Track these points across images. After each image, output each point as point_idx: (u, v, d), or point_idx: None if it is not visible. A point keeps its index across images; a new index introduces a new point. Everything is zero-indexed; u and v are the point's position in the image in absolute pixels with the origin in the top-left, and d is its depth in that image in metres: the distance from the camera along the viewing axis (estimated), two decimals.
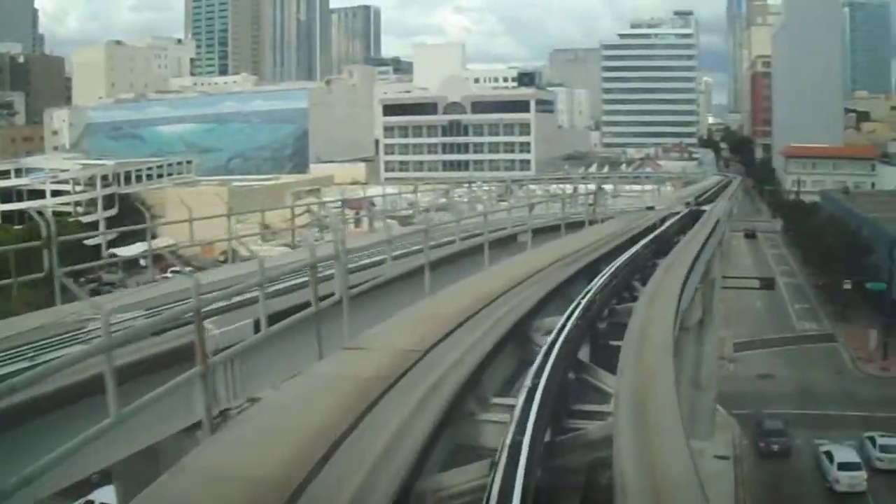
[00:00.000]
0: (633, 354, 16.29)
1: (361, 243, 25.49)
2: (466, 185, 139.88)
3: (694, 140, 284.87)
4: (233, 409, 15.34)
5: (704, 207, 60.77)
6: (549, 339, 16.45)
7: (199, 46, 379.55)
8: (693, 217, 52.49)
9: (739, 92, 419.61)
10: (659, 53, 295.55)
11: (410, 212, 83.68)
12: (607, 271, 25.83)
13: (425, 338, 15.77)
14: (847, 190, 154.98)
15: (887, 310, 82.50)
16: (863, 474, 52.82)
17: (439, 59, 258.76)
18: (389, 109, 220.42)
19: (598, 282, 23.81)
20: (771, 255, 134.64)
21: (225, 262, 46.69)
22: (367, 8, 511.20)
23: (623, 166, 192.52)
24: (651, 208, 56.90)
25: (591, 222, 43.94)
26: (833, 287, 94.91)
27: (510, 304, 19.65)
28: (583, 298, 20.77)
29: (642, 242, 34.90)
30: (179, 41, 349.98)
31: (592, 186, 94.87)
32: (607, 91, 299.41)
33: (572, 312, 19.11)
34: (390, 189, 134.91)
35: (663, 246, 36.50)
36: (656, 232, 40.25)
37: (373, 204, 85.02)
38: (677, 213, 52.54)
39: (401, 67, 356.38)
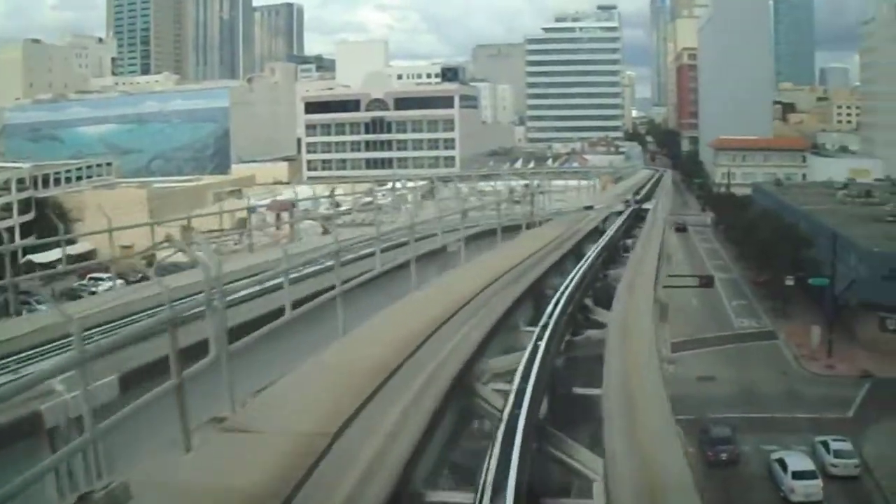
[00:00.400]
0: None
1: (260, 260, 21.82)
2: (390, 183, 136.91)
3: (619, 134, 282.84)
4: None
5: (647, 206, 57.66)
6: (506, 410, 13.51)
7: (120, 45, 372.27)
8: (636, 217, 49.36)
9: (663, 85, 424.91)
10: (583, 47, 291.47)
11: (332, 212, 79.85)
12: (559, 299, 21.84)
13: (333, 412, 12.01)
14: (780, 182, 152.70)
15: (829, 306, 79.54)
16: (818, 483, 49.22)
17: (362, 56, 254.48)
18: (312, 107, 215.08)
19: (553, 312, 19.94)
20: (703, 249, 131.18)
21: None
22: (289, 6, 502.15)
23: (549, 161, 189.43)
24: (590, 208, 53.49)
25: (529, 226, 40.14)
26: (772, 283, 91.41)
27: (445, 348, 16.20)
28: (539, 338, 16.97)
29: (590, 256, 31.11)
30: (101, 40, 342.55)
31: (521, 183, 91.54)
32: (531, 86, 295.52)
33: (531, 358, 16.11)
34: (309, 189, 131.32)
35: (614, 255, 33.05)
36: (604, 240, 36.59)
37: (294, 206, 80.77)
38: (619, 212, 49.43)
39: (324, 65, 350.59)
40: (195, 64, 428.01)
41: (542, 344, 17.02)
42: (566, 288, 22.80)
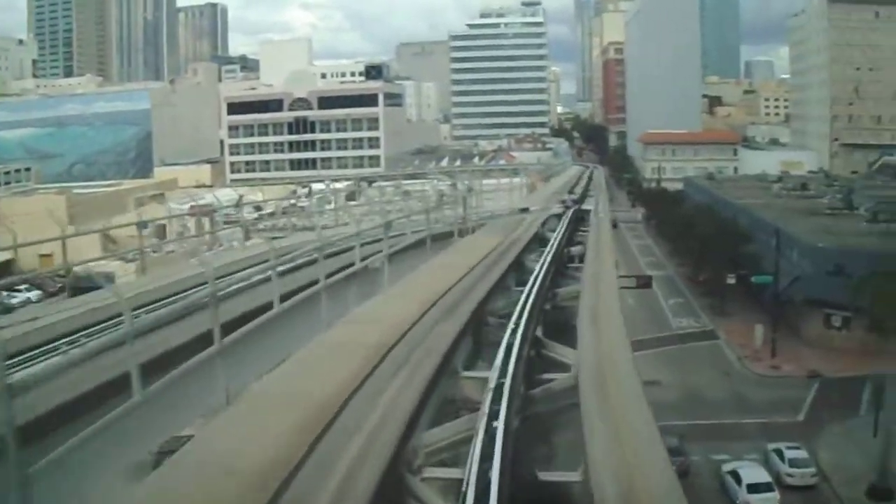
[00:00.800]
0: None
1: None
2: (314, 184, 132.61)
3: (546, 130, 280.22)
4: None
5: (586, 206, 53.92)
6: None
7: (42, 47, 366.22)
8: (577, 219, 45.70)
9: (589, 81, 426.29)
10: (508, 43, 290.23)
11: (255, 216, 76.45)
12: (510, 341, 16.77)
13: None
14: (712, 176, 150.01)
15: (772, 303, 76.70)
16: (775, 495, 46.38)
17: (286, 55, 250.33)
18: (234, 108, 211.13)
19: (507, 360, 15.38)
20: (635, 246, 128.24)
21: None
22: (213, 6, 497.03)
23: (476, 159, 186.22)
24: (525, 210, 49.80)
25: (462, 233, 36.21)
26: (713, 281, 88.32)
27: (364, 430, 11.96)
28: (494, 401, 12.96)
29: (538, 275, 25.86)
30: (21, 42, 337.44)
31: (448, 182, 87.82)
32: (456, 83, 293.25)
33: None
34: (233, 192, 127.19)
35: (563, 270, 29.36)
36: (549, 253, 31.33)
37: (214, 211, 76.80)
38: (557, 214, 45.71)
39: (248, 65, 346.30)
40: (119, 66, 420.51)
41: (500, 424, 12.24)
42: (517, 326, 17.95)
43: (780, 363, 71.06)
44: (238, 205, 68.76)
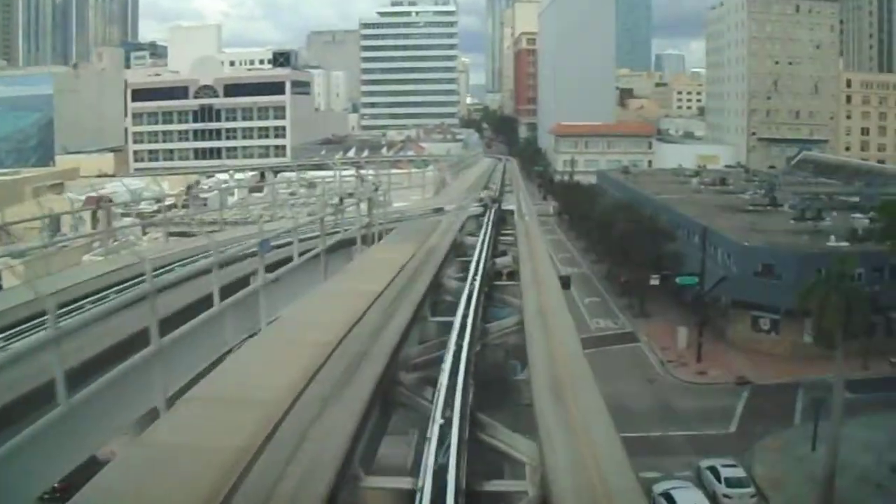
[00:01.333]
0: None
1: None
2: (217, 175, 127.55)
3: (456, 121, 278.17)
4: None
5: (508, 206, 48.79)
6: None
7: None
8: (499, 221, 40.88)
9: (499, 72, 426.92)
10: (419, 32, 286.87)
11: (155, 207, 73.46)
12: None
13: None
14: (627, 169, 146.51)
15: (696, 305, 72.91)
16: None
17: (194, 41, 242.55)
18: (139, 95, 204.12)
19: None
20: (548, 241, 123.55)
21: None
22: None
23: (384, 150, 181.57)
24: (440, 210, 44.81)
25: (367, 240, 30.47)
26: (634, 283, 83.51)
27: None
28: None
29: (466, 317, 19.03)
30: None
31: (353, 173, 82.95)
32: (366, 71, 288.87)
33: None
34: (139, 182, 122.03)
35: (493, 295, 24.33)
36: (477, 271, 25.16)
37: (109, 201, 71.92)
38: (477, 215, 40.88)
39: (158, 52, 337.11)
40: (26, 51, 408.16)
41: None
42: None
43: (707, 368, 67.02)
44: (101, 207, 63.47)
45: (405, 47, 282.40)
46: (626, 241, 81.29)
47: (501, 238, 35.89)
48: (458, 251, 30.53)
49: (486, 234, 33.81)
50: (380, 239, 31.91)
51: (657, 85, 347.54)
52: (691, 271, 74.16)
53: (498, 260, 30.35)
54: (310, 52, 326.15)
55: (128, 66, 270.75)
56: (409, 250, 27.16)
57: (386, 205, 40.19)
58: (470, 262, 26.93)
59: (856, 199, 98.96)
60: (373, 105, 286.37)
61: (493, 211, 41.60)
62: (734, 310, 72.58)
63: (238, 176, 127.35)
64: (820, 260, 64.51)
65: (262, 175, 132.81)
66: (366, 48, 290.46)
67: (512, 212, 45.91)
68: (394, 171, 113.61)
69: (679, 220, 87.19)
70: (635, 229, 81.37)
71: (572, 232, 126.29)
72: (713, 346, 70.38)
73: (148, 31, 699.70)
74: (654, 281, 76.30)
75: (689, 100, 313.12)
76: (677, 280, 73.54)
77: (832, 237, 73.29)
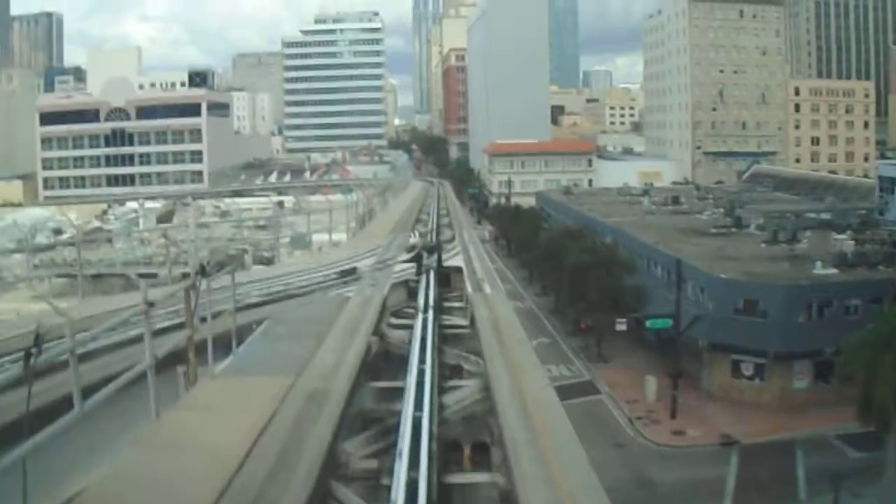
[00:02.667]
0: None
1: None
2: (127, 203, 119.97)
3: (384, 142, 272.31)
4: None
5: (455, 262, 36.68)
6: None
7: None
8: (443, 282, 29.41)
9: (427, 92, 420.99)
10: (344, 50, 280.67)
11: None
12: None
13: None
14: (569, 190, 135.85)
15: (665, 348, 62.14)
16: None
17: (114, 64, 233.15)
18: (48, 118, 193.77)
19: None
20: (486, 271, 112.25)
21: None
22: (49, 16, 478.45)
23: (307, 174, 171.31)
24: (353, 272, 33.45)
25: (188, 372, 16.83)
26: (597, 327, 71.39)
27: None
28: None
29: None
30: None
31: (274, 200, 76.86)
32: (290, 92, 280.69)
33: None
34: (44, 212, 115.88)
35: None
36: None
37: None
38: (408, 280, 29.59)
39: (82, 77, 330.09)
40: None
41: None
42: None
43: (684, 426, 56.11)
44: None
45: (330, 66, 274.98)
46: (579, 274, 69.98)
47: (450, 348, 20.88)
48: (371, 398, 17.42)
49: (424, 336, 19.52)
50: (236, 344, 18.68)
51: (588, 101, 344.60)
52: (657, 310, 63.37)
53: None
54: (236, 74, 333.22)
55: (52, 91, 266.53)
56: (270, 394, 14.88)
57: (272, 261, 29.56)
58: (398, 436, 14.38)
59: (826, 216, 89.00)
60: (298, 127, 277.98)
61: (430, 270, 29.73)
62: (710, 353, 61.50)
63: (149, 205, 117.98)
64: (811, 292, 54.39)
65: (174, 204, 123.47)
66: (289, 68, 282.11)
67: (460, 270, 33.94)
68: (316, 197, 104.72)
69: (637, 249, 76.46)
70: (588, 260, 70.05)
71: (510, 259, 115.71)
72: (687, 395, 59.28)
73: (75, 57, 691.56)
74: (621, 326, 64.64)
75: (622, 115, 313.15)
76: (648, 323, 61.81)
77: (817, 263, 62.84)
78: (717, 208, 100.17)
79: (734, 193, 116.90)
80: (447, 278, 31.31)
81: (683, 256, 67.20)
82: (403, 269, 31.81)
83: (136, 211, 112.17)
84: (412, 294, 27.51)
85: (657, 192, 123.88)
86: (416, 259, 32.49)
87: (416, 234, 41.20)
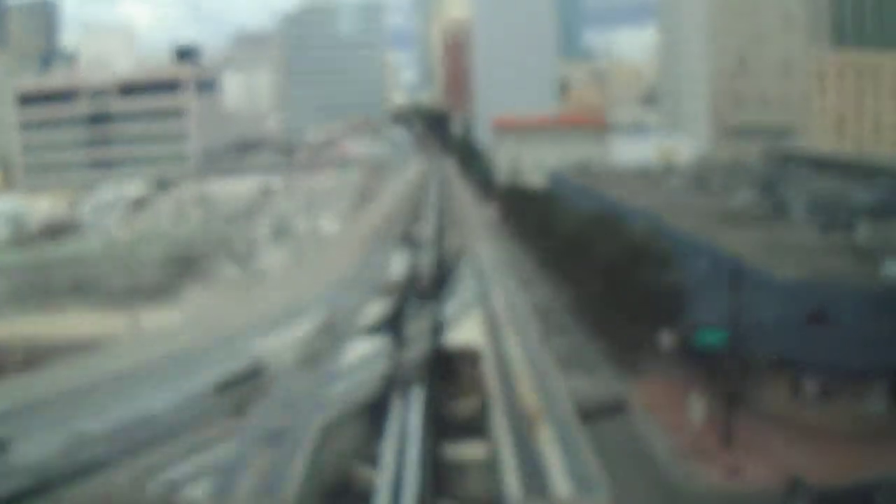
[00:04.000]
0: None
1: None
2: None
3: (384, 118, 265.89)
4: None
5: (466, 330, 26.42)
6: None
7: None
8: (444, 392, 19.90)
9: (430, 67, 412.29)
10: (344, 24, 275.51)
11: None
12: None
13: None
14: (586, 169, 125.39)
15: (712, 362, 51.79)
16: None
17: (108, 46, 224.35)
18: (27, 101, 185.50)
19: None
20: (497, 259, 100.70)
21: None
22: (44, 2, 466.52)
23: (301, 152, 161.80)
24: (251, 378, 22.93)
25: None
26: (634, 338, 60.09)
27: None
28: None
29: None
30: None
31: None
32: (287, 68, 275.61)
33: None
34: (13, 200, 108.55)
35: None
36: None
37: None
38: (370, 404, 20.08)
39: (78, 60, 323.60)
40: None
41: None
42: None
43: (740, 460, 46.08)
44: None
45: (329, 41, 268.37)
46: (611, 271, 59.69)
47: None
48: None
49: None
50: None
51: (593, 75, 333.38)
52: (700, 314, 53.44)
53: None
54: (236, 53, 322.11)
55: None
56: None
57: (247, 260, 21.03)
58: None
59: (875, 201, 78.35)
60: (295, 104, 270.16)
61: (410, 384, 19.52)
62: (766, 368, 51.30)
63: (130, 189, 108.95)
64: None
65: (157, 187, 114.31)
66: (287, 44, 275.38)
67: (475, 358, 23.40)
68: (308, 178, 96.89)
69: (674, 240, 65.68)
70: (619, 253, 59.67)
71: (524, 244, 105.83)
72: (744, 421, 48.81)
73: (73, 42, 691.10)
74: (666, 341, 53.84)
75: (629, 88, 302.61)
76: (699, 338, 51.11)
77: (889, 262, 52.31)
78: (751, 189, 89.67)
79: (767, 172, 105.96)
80: (451, 377, 21.46)
81: (725, 248, 57.38)
82: (362, 357, 20.83)
83: (110, 199, 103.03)
84: (372, 435, 17.69)
85: (679, 171, 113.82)
86: (395, 325, 22.27)
87: (408, 246, 30.95)
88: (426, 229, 35.57)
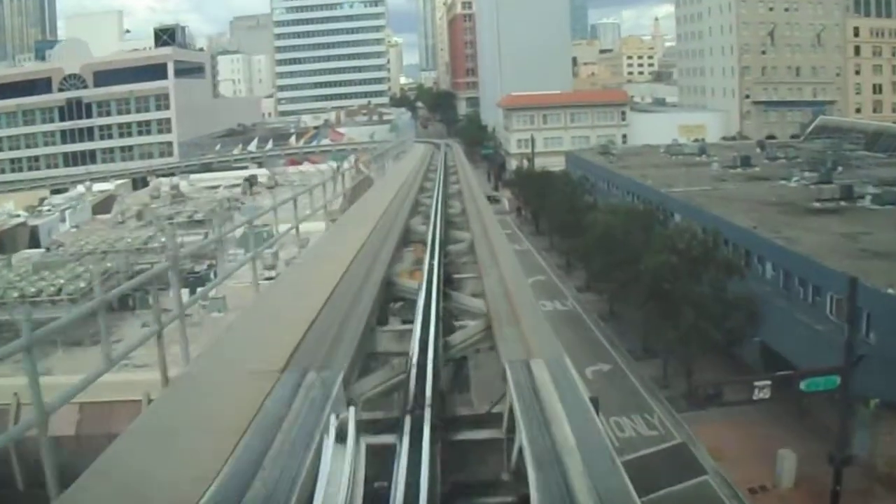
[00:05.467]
0: None
1: None
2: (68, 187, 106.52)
3: (385, 100, 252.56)
4: None
5: None
6: None
7: None
8: None
9: (433, 48, 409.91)
10: (346, 7, 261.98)
11: None
12: None
13: None
14: (608, 149, 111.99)
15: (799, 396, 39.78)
16: None
17: (94, 30, 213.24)
18: None
19: None
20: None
21: None
22: None
23: (293, 139, 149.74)
24: None
25: None
26: (670, 340, 48.51)
27: None
28: None
29: None
30: None
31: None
32: (282, 50, 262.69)
33: None
34: None
35: None
36: None
37: None
38: None
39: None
40: None
41: None
42: None
43: None
44: None
45: (327, 20, 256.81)
46: (660, 279, 47.43)
47: None
48: None
49: None
50: None
51: (601, 52, 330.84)
52: (774, 334, 41.81)
53: None
54: (234, 37, 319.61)
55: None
56: None
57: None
58: None
59: None
60: (292, 87, 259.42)
61: None
62: (875, 411, 39.16)
63: (102, 186, 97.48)
64: None
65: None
66: (282, 23, 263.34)
67: None
68: (296, 168, 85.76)
69: (736, 238, 53.32)
70: (678, 263, 47.24)
71: (539, 238, 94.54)
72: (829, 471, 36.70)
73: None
74: (763, 393, 40.85)
75: (640, 64, 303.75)
76: (803, 385, 37.96)
77: None
78: (805, 171, 77.56)
79: (817, 152, 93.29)
80: None
81: (799, 249, 45.65)
82: None
83: (74, 198, 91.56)
84: None
85: (714, 150, 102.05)
86: None
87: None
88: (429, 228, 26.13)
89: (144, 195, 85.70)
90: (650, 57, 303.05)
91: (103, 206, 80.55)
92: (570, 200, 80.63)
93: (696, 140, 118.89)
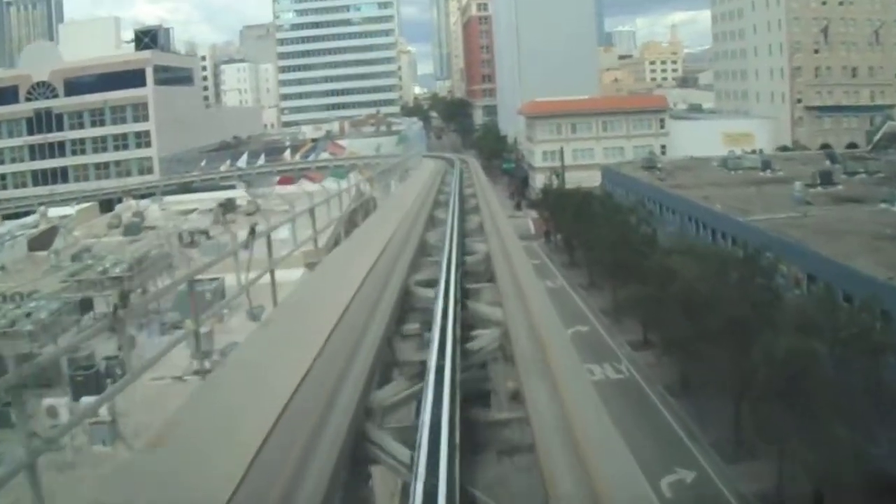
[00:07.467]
0: None
1: None
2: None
3: (396, 109, 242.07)
4: None
5: None
6: None
7: None
8: None
9: (447, 57, 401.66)
10: (351, 7, 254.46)
11: None
12: None
13: None
14: (652, 163, 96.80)
15: None
16: None
17: (89, 36, 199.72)
18: None
19: None
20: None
21: None
22: None
23: (288, 153, 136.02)
24: None
25: None
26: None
27: None
28: None
29: None
30: None
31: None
32: (284, 56, 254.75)
33: None
34: None
35: None
36: None
37: None
38: None
39: None
40: None
41: None
42: None
43: None
44: None
45: (333, 24, 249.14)
46: (790, 370, 32.91)
47: None
48: None
49: None
50: None
51: (621, 58, 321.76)
52: None
53: None
54: (244, 46, 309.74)
55: None
56: None
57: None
58: None
59: None
60: (297, 97, 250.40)
61: None
62: None
63: (61, 211, 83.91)
64: None
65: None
66: (285, 30, 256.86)
67: None
68: (286, 189, 71.71)
69: (851, 285, 38.67)
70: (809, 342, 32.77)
71: (575, 270, 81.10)
72: None
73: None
74: None
75: (663, 70, 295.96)
76: None
77: None
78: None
79: None
80: None
81: None
82: None
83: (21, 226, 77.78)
84: None
85: (778, 164, 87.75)
86: None
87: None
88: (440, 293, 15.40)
89: (101, 224, 72.86)
90: (674, 62, 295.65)
91: (44, 239, 66.34)
92: (618, 230, 65.01)
93: (753, 151, 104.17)
